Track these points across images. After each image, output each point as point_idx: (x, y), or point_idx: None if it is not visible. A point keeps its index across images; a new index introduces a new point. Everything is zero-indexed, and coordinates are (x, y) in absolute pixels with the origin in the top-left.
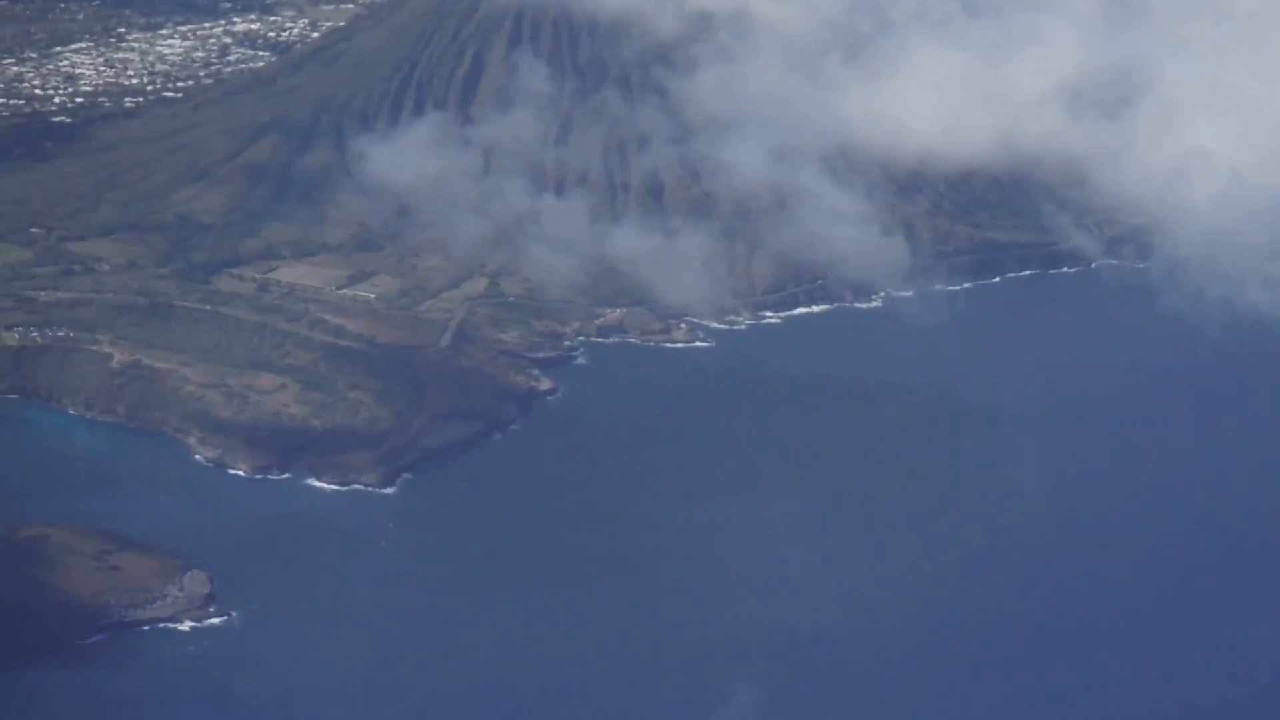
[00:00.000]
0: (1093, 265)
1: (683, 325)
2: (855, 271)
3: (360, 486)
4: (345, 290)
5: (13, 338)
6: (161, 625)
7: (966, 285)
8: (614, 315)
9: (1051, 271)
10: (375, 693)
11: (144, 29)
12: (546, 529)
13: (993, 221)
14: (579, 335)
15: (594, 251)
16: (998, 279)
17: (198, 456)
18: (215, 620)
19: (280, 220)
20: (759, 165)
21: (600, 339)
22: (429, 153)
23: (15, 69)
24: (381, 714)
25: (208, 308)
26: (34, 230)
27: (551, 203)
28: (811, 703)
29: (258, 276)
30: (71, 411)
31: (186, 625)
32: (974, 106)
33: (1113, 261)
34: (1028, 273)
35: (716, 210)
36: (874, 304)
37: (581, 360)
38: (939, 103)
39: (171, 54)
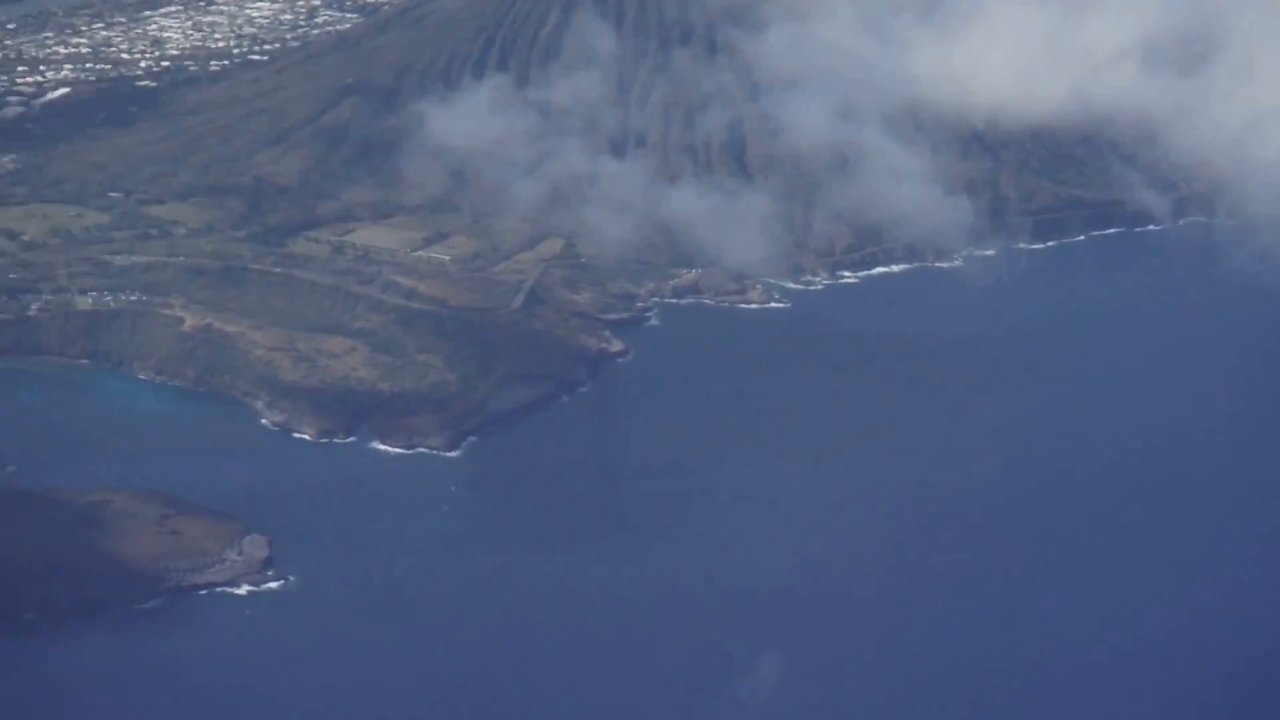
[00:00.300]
0: (1180, 223)
1: (758, 286)
2: (918, 231)
3: (425, 450)
4: (420, 252)
5: (86, 302)
6: (219, 589)
7: (1050, 244)
8: (688, 276)
9: (1137, 230)
10: (428, 656)
11: None
12: (607, 492)
13: (1080, 178)
14: (653, 296)
15: (666, 213)
16: (1082, 237)
17: (264, 420)
18: (273, 584)
19: (358, 183)
20: (824, 124)
21: (674, 300)
22: (500, 115)
23: (104, 33)
24: (435, 677)
25: (280, 271)
26: (113, 194)
27: (624, 164)
28: (837, 663)
29: (333, 239)
30: (141, 376)
31: (244, 589)
32: (1048, 63)
33: (1200, 219)
34: (1112, 231)
35: (782, 170)
36: (955, 263)
37: (654, 321)
38: (1012, 60)
39: (260, 17)
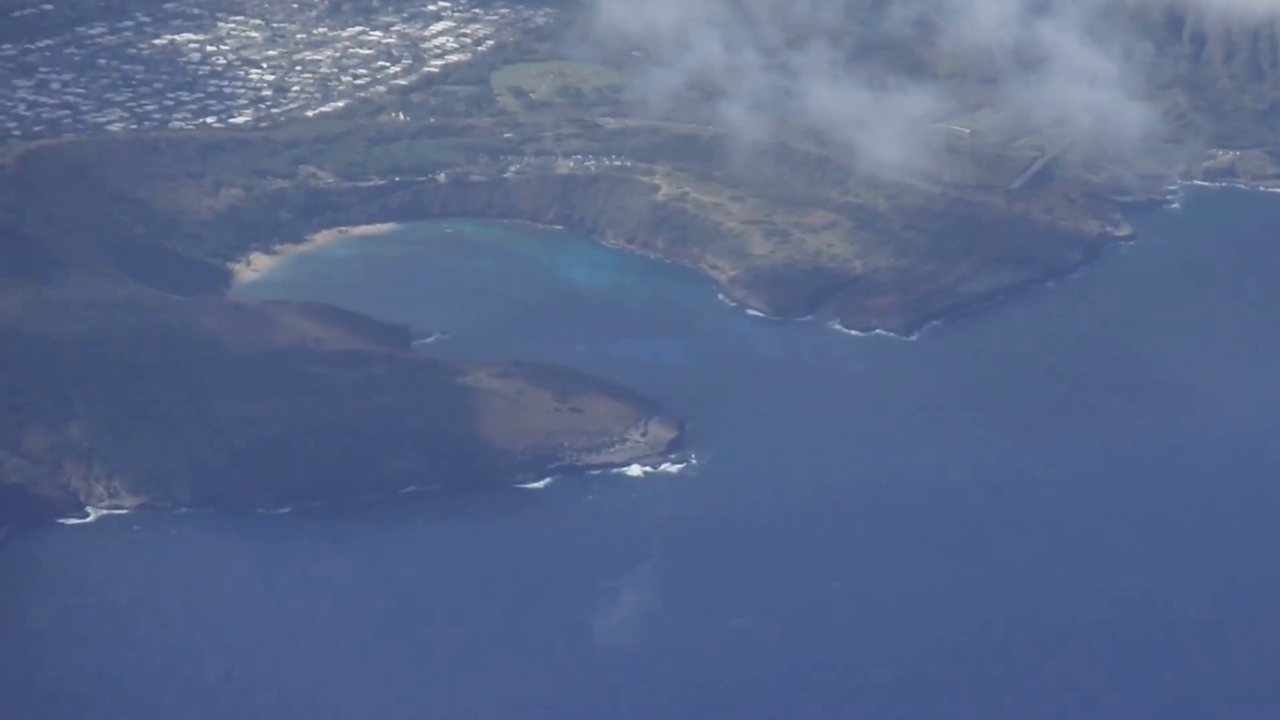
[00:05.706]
0: None
1: None
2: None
3: (882, 332)
4: (940, 125)
5: (567, 165)
6: (614, 470)
7: None
8: (1225, 158)
9: None
10: (810, 549)
11: None
12: (1056, 389)
13: None
14: (1182, 179)
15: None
16: None
17: (721, 296)
18: (672, 467)
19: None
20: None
21: (1206, 183)
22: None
23: None
24: (801, 573)
25: (773, 140)
26: (634, 54)
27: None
28: None
29: None
30: (610, 244)
31: (638, 471)
32: None
33: None
34: None
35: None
36: None
37: (1175, 205)
38: None
39: None
